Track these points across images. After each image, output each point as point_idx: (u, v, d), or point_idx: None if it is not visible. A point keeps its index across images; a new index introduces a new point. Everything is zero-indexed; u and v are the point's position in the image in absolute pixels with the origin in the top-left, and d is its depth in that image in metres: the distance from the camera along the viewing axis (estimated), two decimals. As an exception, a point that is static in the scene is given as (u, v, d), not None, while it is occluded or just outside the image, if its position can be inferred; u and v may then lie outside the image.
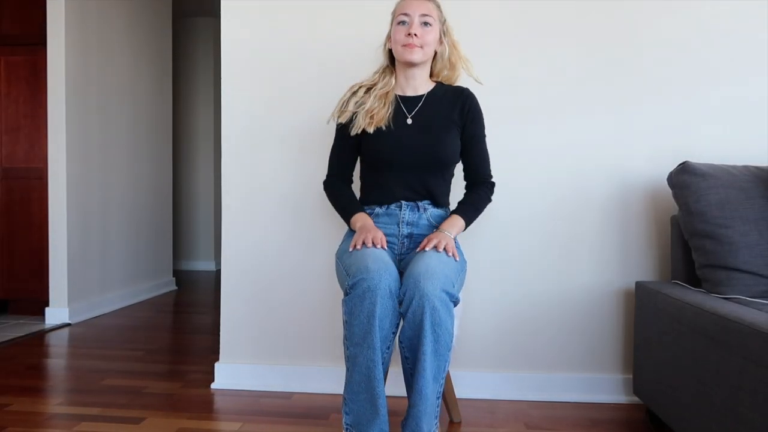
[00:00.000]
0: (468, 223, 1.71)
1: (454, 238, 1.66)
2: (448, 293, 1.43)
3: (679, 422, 1.56)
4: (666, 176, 1.89)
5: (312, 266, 2.15)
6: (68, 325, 3.19)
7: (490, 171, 1.79)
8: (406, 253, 1.68)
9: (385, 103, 1.69)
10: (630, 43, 2.05)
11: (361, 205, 1.77)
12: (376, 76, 1.75)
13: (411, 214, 1.69)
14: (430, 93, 1.74)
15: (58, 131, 3.22)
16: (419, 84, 1.73)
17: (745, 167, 1.78)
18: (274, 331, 2.17)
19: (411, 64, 1.69)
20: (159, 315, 3.55)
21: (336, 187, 1.79)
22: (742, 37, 2.02)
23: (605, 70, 2.06)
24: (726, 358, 1.32)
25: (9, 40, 3.33)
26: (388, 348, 1.46)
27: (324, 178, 1.84)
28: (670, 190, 1.86)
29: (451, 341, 1.44)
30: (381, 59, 1.77)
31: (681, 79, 2.04)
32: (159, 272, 4.27)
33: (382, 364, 1.44)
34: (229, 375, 2.18)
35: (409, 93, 1.74)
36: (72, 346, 2.81)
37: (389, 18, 1.73)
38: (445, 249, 1.54)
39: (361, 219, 1.69)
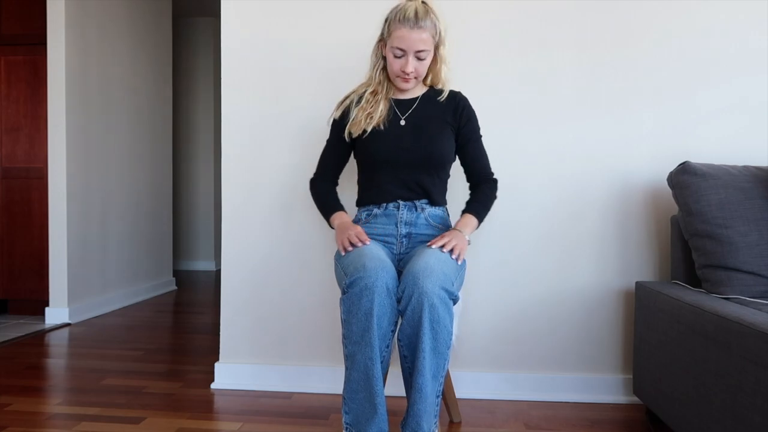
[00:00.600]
0: (480, 221, 1.73)
1: None
2: (447, 291, 1.43)
3: (679, 422, 1.56)
4: (666, 176, 1.89)
5: (312, 266, 2.15)
6: (68, 325, 3.19)
7: (490, 168, 1.80)
8: (405, 252, 1.68)
9: (382, 103, 1.71)
10: (630, 43, 2.05)
11: (359, 205, 1.79)
12: (372, 77, 1.74)
13: (409, 214, 1.69)
14: (423, 96, 1.76)
15: (58, 131, 3.22)
16: (412, 88, 1.76)
17: (745, 167, 1.78)
18: (274, 331, 2.18)
19: None
20: (159, 315, 3.55)
21: (320, 188, 1.82)
22: (741, 37, 2.02)
23: (605, 70, 2.06)
24: (726, 358, 1.32)
25: (9, 40, 3.33)
26: (387, 347, 1.46)
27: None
28: (670, 191, 1.86)
29: (450, 339, 1.44)
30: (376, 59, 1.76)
31: (681, 80, 2.04)
32: (159, 272, 4.27)
33: (381, 363, 1.44)
34: (229, 375, 2.18)
35: (403, 96, 1.76)
36: (72, 346, 2.81)
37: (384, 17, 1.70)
38: (451, 250, 1.54)
39: (338, 218, 1.72)
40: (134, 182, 3.93)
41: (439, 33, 1.65)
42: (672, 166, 1.94)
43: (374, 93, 1.72)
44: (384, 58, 1.71)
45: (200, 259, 5.58)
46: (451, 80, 1.77)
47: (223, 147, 2.19)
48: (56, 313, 3.22)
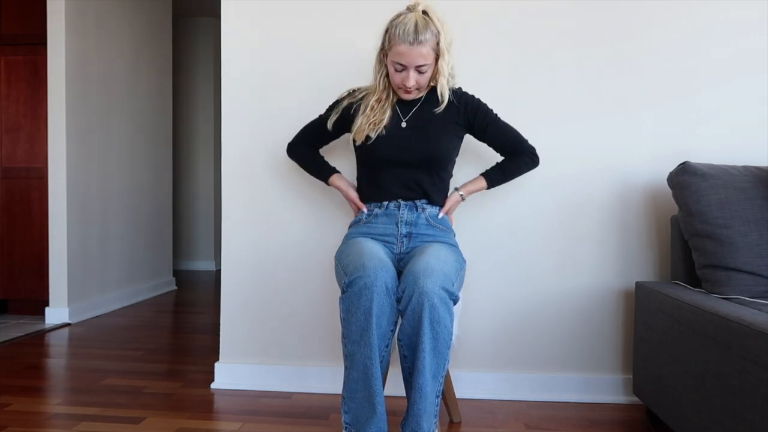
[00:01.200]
0: (491, 184, 1.82)
1: (453, 242, 1.72)
2: (447, 291, 1.43)
3: (678, 422, 1.56)
4: (666, 176, 1.89)
5: (312, 266, 2.15)
6: (68, 325, 3.19)
7: (521, 138, 1.83)
8: (405, 252, 1.68)
9: (387, 111, 1.71)
10: (630, 43, 2.05)
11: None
12: (376, 84, 1.73)
13: (409, 214, 1.70)
14: (425, 97, 1.75)
15: (58, 131, 3.22)
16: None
17: (745, 167, 1.78)
18: (274, 331, 2.17)
19: None
20: (159, 315, 3.55)
21: (304, 150, 1.91)
22: (741, 37, 2.02)
23: (605, 70, 2.06)
24: (726, 358, 1.32)
25: (9, 40, 3.33)
26: (387, 346, 1.46)
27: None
28: (670, 191, 1.86)
29: (451, 339, 1.44)
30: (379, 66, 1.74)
31: (681, 79, 2.04)
32: (159, 272, 4.27)
33: (381, 362, 1.44)
34: (229, 375, 2.18)
35: (403, 98, 1.75)
36: (72, 346, 2.81)
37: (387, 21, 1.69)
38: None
39: (339, 182, 1.86)
40: (134, 182, 3.93)
41: (439, 44, 1.60)
42: (672, 166, 1.94)
43: (379, 100, 1.72)
44: (386, 66, 1.69)
45: (200, 259, 5.58)
46: (454, 84, 1.76)
47: (223, 147, 2.19)
48: (56, 313, 3.22)
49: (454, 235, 1.78)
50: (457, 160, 1.83)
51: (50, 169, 3.24)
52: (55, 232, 3.23)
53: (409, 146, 1.69)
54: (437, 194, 1.74)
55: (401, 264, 1.67)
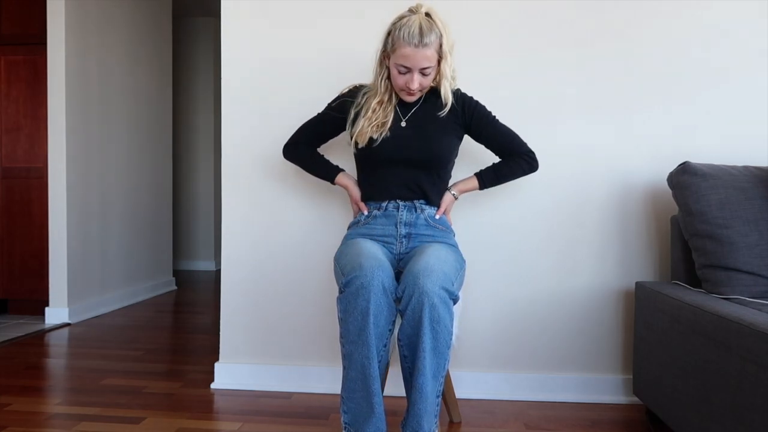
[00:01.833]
0: (484, 185, 1.80)
1: (453, 242, 1.73)
2: (447, 291, 1.43)
3: (678, 422, 1.56)
4: (666, 177, 1.89)
5: (312, 266, 2.15)
6: (68, 325, 3.19)
7: (520, 141, 1.81)
8: (405, 252, 1.68)
9: (390, 113, 1.71)
10: (630, 43, 2.05)
11: None
12: (377, 87, 1.72)
13: (408, 215, 1.70)
14: (425, 97, 1.75)
15: (58, 131, 3.22)
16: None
17: (745, 167, 1.78)
18: (274, 331, 2.17)
19: None
20: (159, 315, 3.55)
21: (306, 150, 1.88)
22: (741, 37, 2.02)
23: (605, 70, 2.06)
24: (726, 358, 1.32)
25: (9, 40, 3.33)
26: (385, 346, 1.46)
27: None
28: (670, 191, 1.86)
29: (451, 339, 1.44)
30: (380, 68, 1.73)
31: (681, 80, 2.04)
32: (159, 272, 4.27)
33: (380, 362, 1.44)
34: (229, 375, 2.18)
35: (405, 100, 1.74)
36: (72, 345, 2.81)
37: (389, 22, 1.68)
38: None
39: (347, 182, 1.83)
40: (134, 182, 3.93)
41: (442, 46, 1.60)
42: (672, 166, 1.94)
43: (380, 102, 1.71)
44: (388, 68, 1.69)
45: (200, 259, 5.58)
46: (455, 86, 1.75)
47: (223, 147, 2.19)
48: (56, 313, 3.22)
49: (454, 235, 1.78)
50: (456, 161, 1.83)
51: (50, 169, 3.24)
52: (55, 232, 3.23)
53: (409, 146, 1.69)
54: (436, 195, 1.74)
55: (401, 264, 1.67)
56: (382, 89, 1.71)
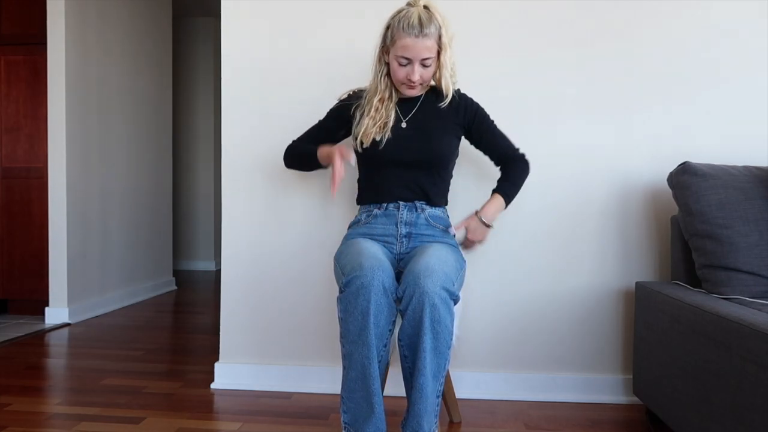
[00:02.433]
0: (508, 201, 1.79)
1: (453, 242, 1.72)
2: (448, 291, 1.43)
3: (678, 422, 1.56)
4: (666, 177, 1.89)
5: (312, 266, 2.15)
6: (68, 325, 3.19)
7: (514, 146, 1.82)
8: (405, 252, 1.68)
9: (392, 111, 1.71)
10: (630, 43, 2.05)
11: (359, 203, 1.80)
12: (377, 85, 1.71)
13: (409, 215, 1.70)
14: (425, 96, 1.75)
15: (58, 131, 3.22)
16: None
17: (745, 167, 1.78)
18: (274, 331, 2.17)
19: None
20: (159, 315, 3.55)
21: (298, 147, 1.85)
22: (741, 37, 2.02)
23: (605, 69, 2.06)
24: (726, 358, 1.32)
25: (9, 40, 3.33)
26: (385, 346, 1.46)
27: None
28: (670, 191, 1.86)
29: (451, 339, 1.44)
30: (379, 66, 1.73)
31: (681, 80, 2.04)
32: (159, 272, 4.27)
33: (380, 362, 1.44)
34: (229, 375, 2.18)
35: (406, 95, 1.74)
36: (72, 346, 2.81)
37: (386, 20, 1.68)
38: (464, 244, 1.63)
39: (322, 149, 1.73)
40: (134, 182, 3.93)
41: (442, 38, 1.61)
42: (672, 166, 1.94)
43: (382, 100, 1.70)
44: (387, 64, 1.69)
45: (200, 259, 5.58)
46: (455, 83, 1.75)
47: (223, 147, 2.19)
48: (56, 313, 3.22)
49: (454, 236, 1.78)
50: (457, 161, 1.82)
51: (50, 169, 3.24)
52: (55, 232, 3.23)
53: (410, 147, 1.68)
54: (436, 195, 1.74)
55: (401, 264, 1.67)
56: (382, 86, 1.71)
